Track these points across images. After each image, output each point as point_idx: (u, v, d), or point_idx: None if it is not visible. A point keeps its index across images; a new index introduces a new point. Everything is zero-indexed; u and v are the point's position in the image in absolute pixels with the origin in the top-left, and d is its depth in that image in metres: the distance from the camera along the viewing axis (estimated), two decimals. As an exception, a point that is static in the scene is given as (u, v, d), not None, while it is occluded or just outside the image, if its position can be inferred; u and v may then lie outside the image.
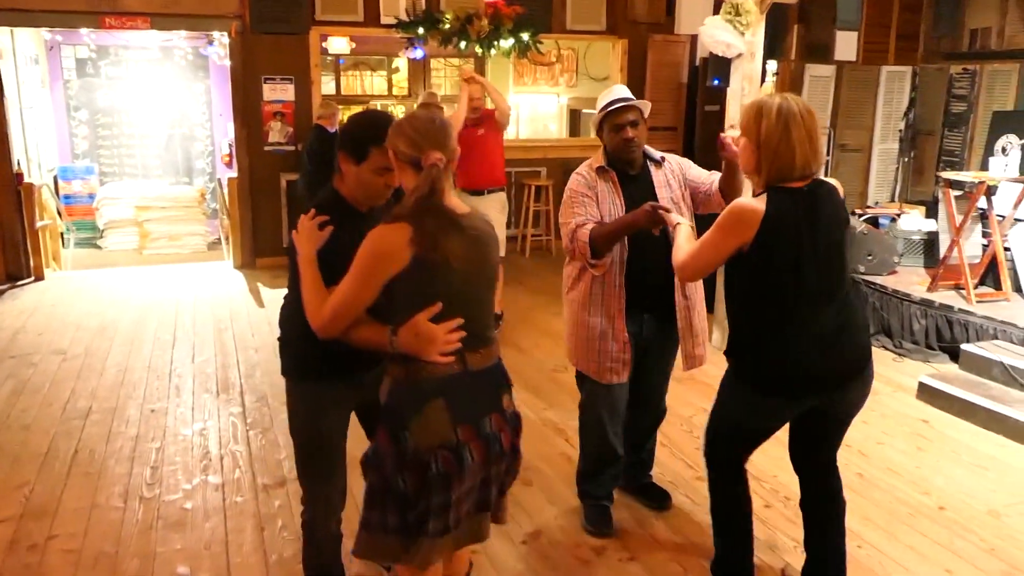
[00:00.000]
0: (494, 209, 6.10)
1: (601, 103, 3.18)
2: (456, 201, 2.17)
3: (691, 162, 3.37)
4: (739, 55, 5.36)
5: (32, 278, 7.54)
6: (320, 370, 2.44)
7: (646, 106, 3.20)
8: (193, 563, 3.15)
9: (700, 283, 3.28)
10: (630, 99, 3.16)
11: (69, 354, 5.55)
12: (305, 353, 2.46)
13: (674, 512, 3.55)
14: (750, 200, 2.53)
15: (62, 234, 8.73)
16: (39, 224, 7.64)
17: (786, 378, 2.61)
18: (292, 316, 2.42)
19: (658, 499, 3.60)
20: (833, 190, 2.60)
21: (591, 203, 3.13)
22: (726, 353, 2.74)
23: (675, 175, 3.27)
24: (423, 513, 2.04)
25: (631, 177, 3.20)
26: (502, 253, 5.96)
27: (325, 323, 2.15)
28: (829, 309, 2.56)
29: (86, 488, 3.71)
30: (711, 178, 3.27)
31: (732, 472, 2.88)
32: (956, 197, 5.83)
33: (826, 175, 8.77)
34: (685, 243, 2.73)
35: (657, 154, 3.28)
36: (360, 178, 2.33)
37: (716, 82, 7.27)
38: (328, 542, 2.71)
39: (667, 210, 2.93)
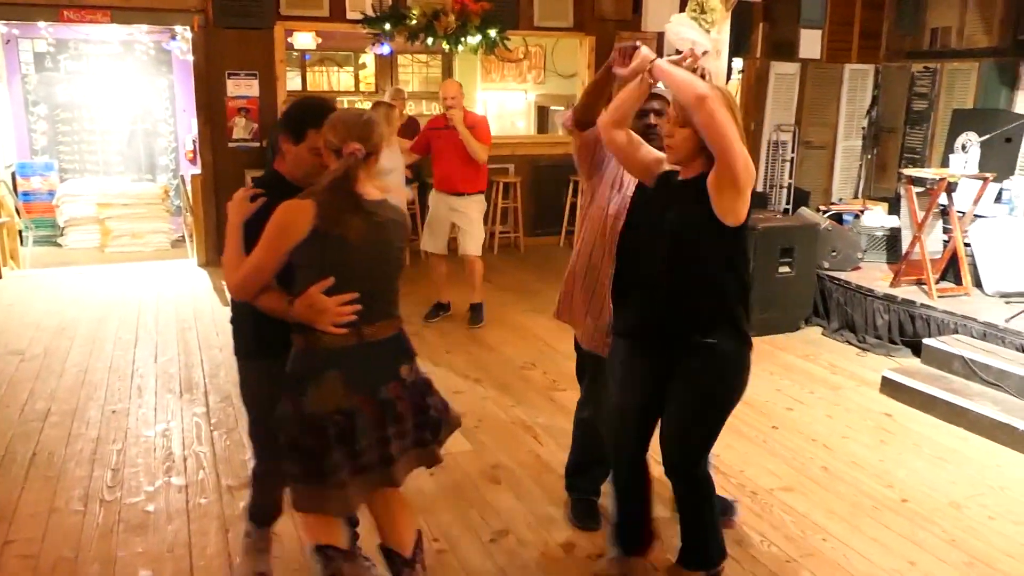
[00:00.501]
0: (472, 210, 6.08)
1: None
2: (371, 189, 2.39)
3: None
4: (705, 52, 5.38)
5: (-11, 277, 7.38)
6: (272, 348, 2.48)
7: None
8: (155, 566, 3.10)
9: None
10: (659, 89, 2.97)
11: (27, 355, 5.43)
12: (258, 332, 2.57)
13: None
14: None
15: (20, 232, 8.53)
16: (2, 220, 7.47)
17: None
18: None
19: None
20: None
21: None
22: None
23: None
24: (325, 467, 2.28)
25: (673, 179, 2.95)
26: (476, 252, 5.88)
27: (236, 285, 2.39)
28: None
29: (44, 492, 3.63)
30: None
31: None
32: (918, 194, 5.91)
33: (791, 172, 8.86)
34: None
35: None
36: (298, 157, 2.54)
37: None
38: (276, 485, 2.75)
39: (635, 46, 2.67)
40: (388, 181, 5.62)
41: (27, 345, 5.62)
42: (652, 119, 3.02)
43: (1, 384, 4.89)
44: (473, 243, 6.11)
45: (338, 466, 2.29)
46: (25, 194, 9.34)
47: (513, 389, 4.95)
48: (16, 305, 6.56)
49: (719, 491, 3.62)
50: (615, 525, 3.04)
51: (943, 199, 5.75)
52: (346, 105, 12.61)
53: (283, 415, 2.34)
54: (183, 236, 9.19)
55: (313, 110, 2.52)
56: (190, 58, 8.04)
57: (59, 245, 9.10)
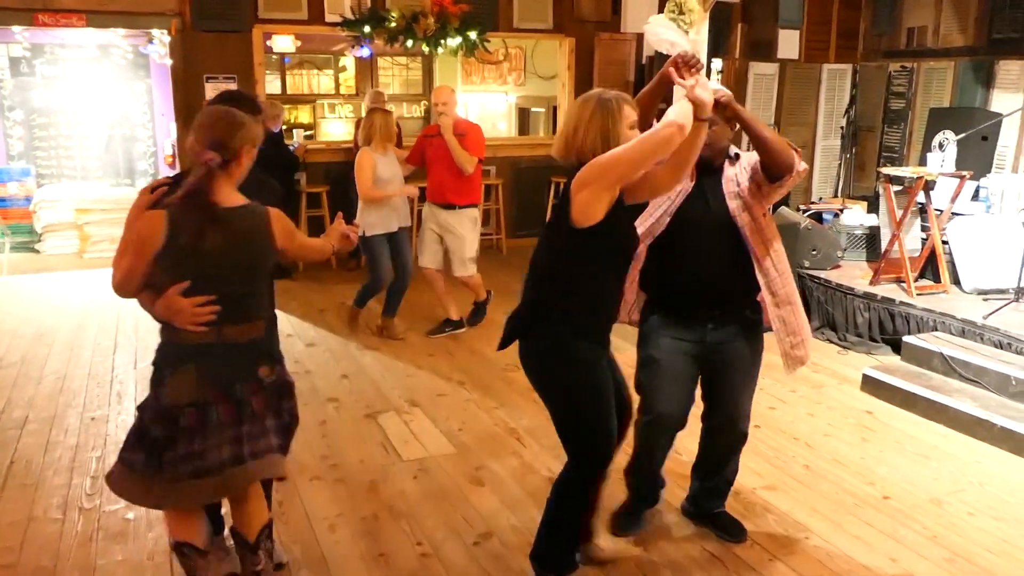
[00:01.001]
0: (463, 227, 5.76)
1: None
2: (228, 194, 2.43)
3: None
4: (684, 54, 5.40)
5: (-35, 284, 7.29)
6: None
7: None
8: (135, 574, 3.07)
9: (790, 275, 3.14)
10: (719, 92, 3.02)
11: (4, 362, 5.37)
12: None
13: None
14: None
15: (-3, 238, 8.44)
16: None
17: None
18: None
19: (731, 531, 3.35)
20: None
21: None
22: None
23: (744, 169, 3.05)
24: (164, 460, 2.39)
25: (711, 168, 3.02)
26: (467, 273, 5.66)
27: (114, 285, 2.48)
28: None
29: (22, 500, 3.58)
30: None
31: None
32: (896, 192, 5.95)
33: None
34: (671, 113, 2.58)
35: (734, 151, 3.10)
36: None
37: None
38: None
39: (693, 64, 2.62)
40: (389, 188, 5.57)
41: (4, 352, 5.56)
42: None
43: (-22, 392, 4.83)
44: (462, 266, 5.86)
45: (178, 461, 2.40)
46: (1, 200, 9.23)
47: (496, 391, 4.94)
48: (-7, 312, 6.48)
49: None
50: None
51: (921, 197, 5.80)
52: (327, 108, 12.61)
53: (142, 404, 2.50)
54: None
55: (232, 99, 2.63)
56: (168, 62, 7.98)
57: (37, 251, 9.00)
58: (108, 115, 10.12)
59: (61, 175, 9.99)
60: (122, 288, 2.47)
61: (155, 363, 2.50)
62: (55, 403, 4.68)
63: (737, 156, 3.11)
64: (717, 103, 2.83)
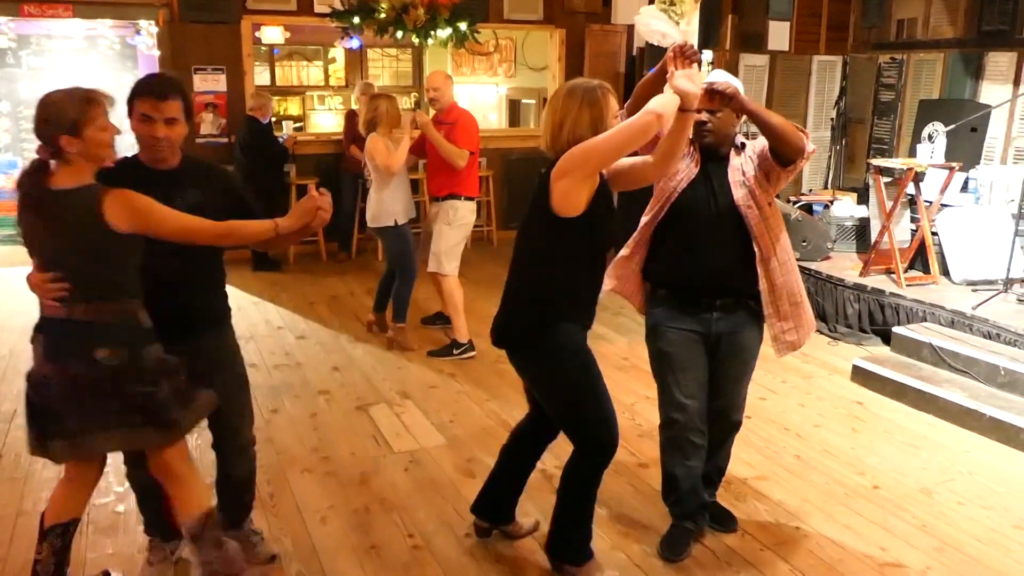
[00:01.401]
0: (438, 218, 5.42)
1: None
2: (66, 177, 2.44)
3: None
4: (674, 44, 5.39)
5: (-48, 277, 7.23)
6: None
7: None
8: (126, 567, 3.06)
9: (793, 266, 3.14)
10: (715, 84, 2.99)
11: (-8, 356, 5.34)
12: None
13: (615, 499, 3.55)
14: None
15: (-16, 231, 8.38)
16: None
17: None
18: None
19: (722, 521, 3.34)
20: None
21: None
22: None
23: (750, 158, 3.02)
24: (43, 421, 2.53)
25: (716, 156, 3.02)
26: (435, 268, 5.33)
27: None
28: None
29: (11, 494, 3.57)
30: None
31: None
32: (886, 183, 5.96)
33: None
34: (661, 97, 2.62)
35: (740, 140, 3.08)
36: (134, 131, 2.62)
37: (653, 72, 7.31)
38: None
39: (690, 55, 2.65)
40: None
41: (-8, 346, 5.52)
42: (703, 115, 2.93)
43: (-35, 386, 4.79)
44: (432, 259, 5.42)
45: (39, 424, 2.54)
46: (-12, 192, 9.16)
47: (487, 383, 4.93)
48: (-20, 306, 6.44)
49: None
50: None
51: (911, 189, 5.81)
52: (316, 100, 12.55)
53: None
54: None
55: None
56: (156, 53, 7.92)
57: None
58: (95, 107, 10.03)
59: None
60: None
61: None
62: (44, 397, 4.65)
63: (743, 145, 3.09)
64: (723, 95, 2.84)
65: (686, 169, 3.05)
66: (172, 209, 2.51)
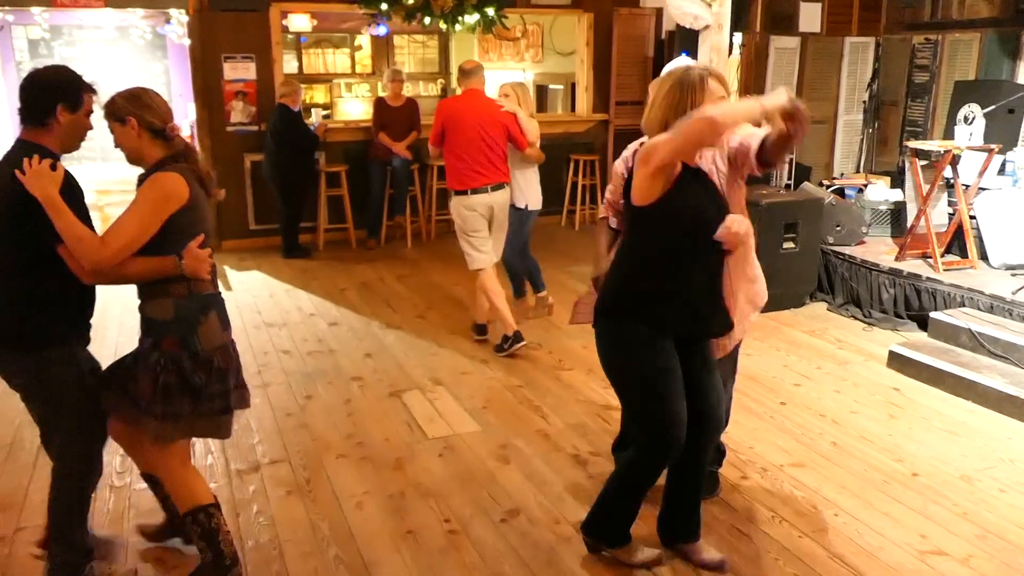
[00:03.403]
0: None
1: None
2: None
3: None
4: (706, 27, 5.35)
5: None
6: (73, 333, 2.79)
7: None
8: (166, 551, 3.10)
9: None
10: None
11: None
12: (56, 318, 2.68)
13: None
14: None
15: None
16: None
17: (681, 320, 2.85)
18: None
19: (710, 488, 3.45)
20: None
21: None
22: None
23: (717, 156, 2.95)
24: (207, 398, 2.66)
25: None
26: (468, 263, 5.24)
27: (113, 257, 2.51)
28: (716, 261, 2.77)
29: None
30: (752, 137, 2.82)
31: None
32: (922, 166, 5.87)
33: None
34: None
35: None
36: (77, 123, 2.64)
37: (685, 54, 7.23)
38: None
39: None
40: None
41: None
42: None
43: (6, 373, 4.87)
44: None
45: (214, 397, 2.68)
46: (23, 182, 9.29)
47: (519, 369, 4.93)
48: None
49: (728, 467, 3.65)
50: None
51: (948, 172, 5.71)
52: (343, 88, 12.57)
53: (167, 356, 2.60)
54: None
55: (69, 75, 2.65)
56: (186, 42, 7.97)
57: (58, 233, 9.06)
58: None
59: (81, 157, 10.05)
60: (119, 259, 2.51)
61: (175, 319, 2.61)
62: (82, 383, 4.71)
63: None
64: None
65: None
66: None
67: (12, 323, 2.61)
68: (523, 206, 5.49)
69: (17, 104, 2.61)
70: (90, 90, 2.67)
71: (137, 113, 2.60)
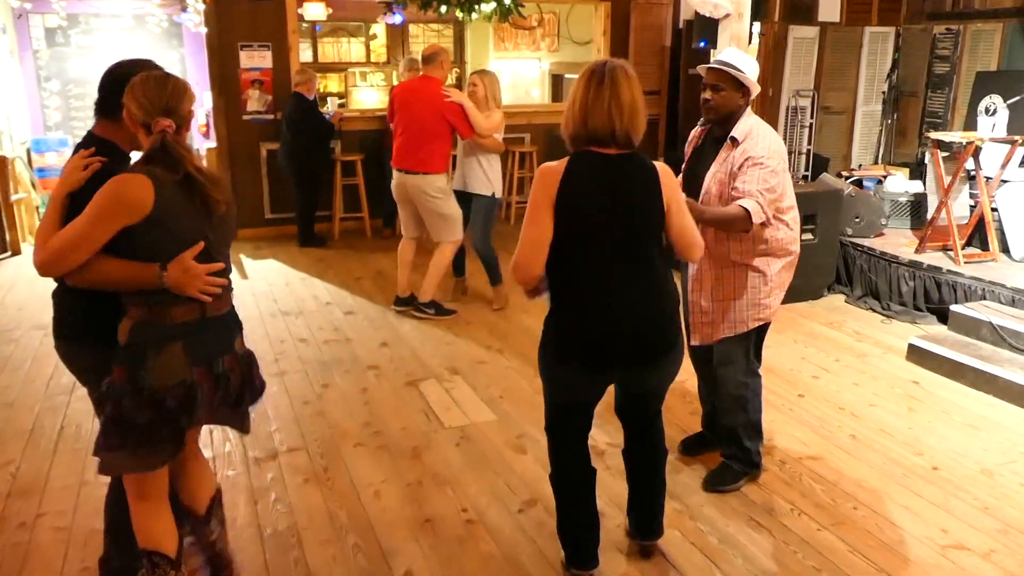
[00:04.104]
0: None
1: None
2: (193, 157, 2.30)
3: (757, 165, 3.04)
4: (726, 15, 5.30)
5: (9, 253, 7.40)
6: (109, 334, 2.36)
7: (742, 76, 3.08)
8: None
9: (710, 260, 3.25)
10: (723, 62, 3.12)
11: (50, 329, 5.43)
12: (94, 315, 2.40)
13: (669, 478, 3.52)
14: (553, 162, 2.52)
15: (37, 208, 8.54)
16: (14, 198, 7.47)
17: (575, 347, 2.58)
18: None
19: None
20: (644, 166, 2.53)
21: None
22: None
23: (733, 161, 3.10)
24: (153, 440, 2.25)
25: (715, 139, 3.23)
26: None
27: (42, 262, 2.23)
28: (624, 279, 2.53)
29: (74, 465, 3.64)
30: (733, 196, 3.07)
31: (562, 443, 2.80)
32: (944, 158, 5.81)
33: (810, 139, 8.73)
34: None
35: (741, 134, 3.10)
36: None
37: (703, 44, 7.18)
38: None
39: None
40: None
41: (49, 320, 5.62)
42: (706, 92, 3.14)
43: (26, 359, 4.91)
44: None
45: (166, 440, 2.27)
46: (40, 170, 9.32)
47: (535, 359, 4.89)
48: (36, 281, 6.56)
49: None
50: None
51: (970, 163, 5.65)
52: (358, 77, 12.56)
53: (113, 389, 2.25)
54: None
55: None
56: (202, 30, 7.97)
57: (75, 220, 9.10)
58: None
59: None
60: (66, 255, 2.19)
61: (126, 346, 2.26)
62: (101, 370, 4.74)
63: (736, 142, 3.12)
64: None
65: (691, 144, 3.34)
66: None
67: (80, 316, 2.49)
68: (490, 194, 5.62)
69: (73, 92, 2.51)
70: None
71: (124, 102, 2.27)
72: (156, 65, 2.43)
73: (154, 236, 2.21)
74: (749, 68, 3.12)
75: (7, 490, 3.43)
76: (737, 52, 3.20)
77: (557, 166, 2.48)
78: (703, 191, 3.18)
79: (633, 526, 3.01)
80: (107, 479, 3.48)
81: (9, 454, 3.74)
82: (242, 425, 2.56)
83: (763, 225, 3.05)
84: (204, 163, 2.37)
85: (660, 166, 2.55)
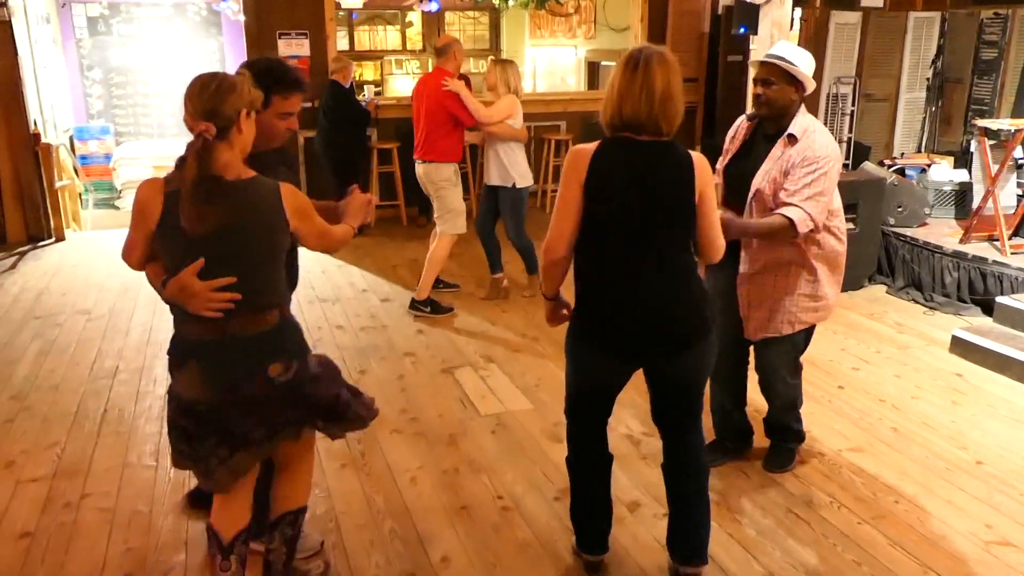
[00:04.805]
0: None
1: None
2: (231, 166, 2.18)
3: (812, 165, 2.99)
4: (767, 1, 5.21)
5: (53, 239, 7.54)
6: None
7: (795, 70, 3.00)
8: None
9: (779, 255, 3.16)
10: (776, 56, 3.05)
11: (94, 314, 5.54)
12: None
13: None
14: (585, 144, 2.51)
15: (80, 195, 8.69)
16: (58, 184, 7.61)
17: (596, 331, 2.57)
18: None
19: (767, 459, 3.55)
20: (677, 156, 2.47)
21: None
22: None
23: (788, 159, 3.03)
24: (198, 450, 2.25)
25: (767, 136, 3.14)
26: None
27: (123, 252, 2.33)
28: (645, 266, 2.49)
29: (117, 447, 3.71)
30: (781, 199, 3.03)
31: (579, 426, 2.81)
32: (991, 146, 5.68)
33: (851, 126, 8.58)
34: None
35: (799, 131, 3.04)
36: (262, 122, 2.34)
37: (743, 30, 7.09)
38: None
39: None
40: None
41: (92, 305, 5.74)
42: (758, 88, 3.08)
43: (71, 343, 5.00)
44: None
45: (211, 451, 2.24)
46: (83, 157, 9.50)
47: (571, 348, 4.90)
48: (80, 266, 6.70)
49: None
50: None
51: (1018, 152, 5.52)
52: (394, 64, 12.59)
53: (170, 391, 2.32)
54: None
55: (273, 73, 2.42)
56: (241, 18, 8.03)
57: (117, 208, 9.26)
58: (182, 73, 10.26)
59: (139, 133, 10.23)
60: (124, 256, 2.32)
61: (168, 352, 2.31)
62: (143, 354, 4.82)
63: (793, 139, 3.04)
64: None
65: (736, 140, 3.27)
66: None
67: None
68: (510, 184, 5.53)
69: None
70: (286, 91, 2.43)
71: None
72: (284, 68, 2.46)
73: (163, 245, 2.22)
74: (803, 63, 3.03)
75: (53, 471, 3.50)
76: (790, 46, 3.12)
77: (588, 148, 2.48)
78: (753, 190, 3.08)
79: (671, 547, 2.80)
80: (150, 463, 3.56)
81: (55, 436, 3.82)
82: (331, 433, 2.50)
83: (812, 231, 3.02)
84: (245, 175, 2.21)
85: (696, 157, 2.49)
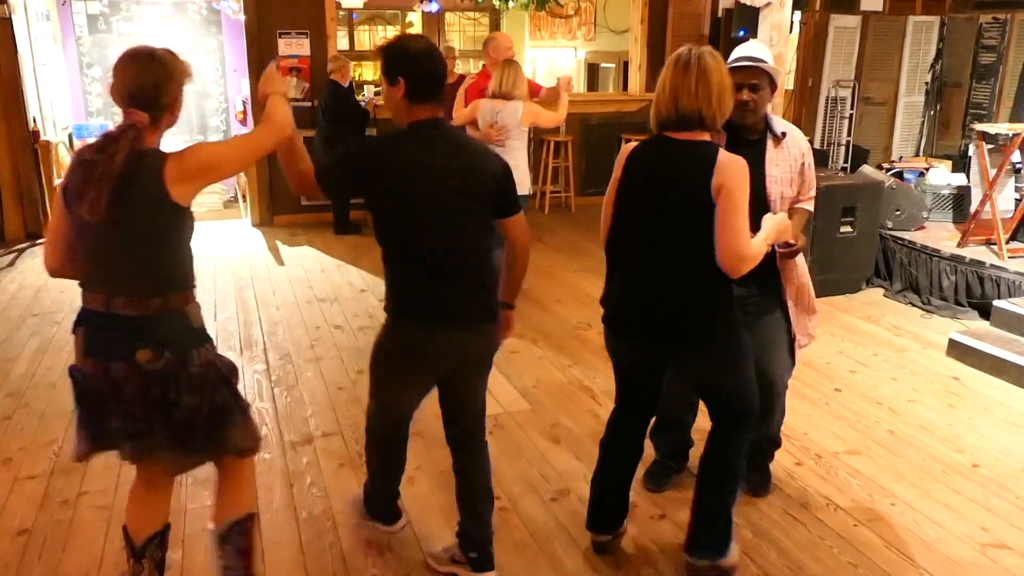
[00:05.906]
0: None
1: (731, 58, 2.88)
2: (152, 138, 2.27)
3: (811, 156, 3.02)
4: (767, 4, 5.23)
5: (51, 237, 7.54)
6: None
7: (777, 73, 2.91)
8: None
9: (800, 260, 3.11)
10: (759, 60, 2.85)
11: (91, 312, 5.53)
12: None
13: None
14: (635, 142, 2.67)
15: (79, 192, 8.68)
16: (57, 182, 7.60)
17: (609, 313, 2.74)
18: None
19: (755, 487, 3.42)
20: (696, 155, 2.45)
21: None
22: None
23: (792, 157, 2.96)
24: (79, 422, 2.36)
25: (746, 142, 2.88)
26: None
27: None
28: (656, 260, 2.56)
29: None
30: (803, 196, 3.03)
31: (616, 407, 3.00)
32: (989, 150, 5.69)
33: (849, 130, 8.60)
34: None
35: (780, 127, 2.95)
36: (390, 99, 2.45)
37: (742, 33, 7.09)
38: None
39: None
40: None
41: (90, 303, 5.73)
42: (745, 94, 2.82)
43: (68, 340, 4.91)
44: None
45: (82, 420, 2.34)
46: (82, 155, 9.47)
47: (569, 349, 4.91)
48: (78, 264, 6.68)
49: (782, 454, 3.60)
50: None
51: (1016, 156, 5.54)
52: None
53: None
54: (235, 196, 9.28)
55: (404, 54, 2.43)
56: (241, 18, 8.03)
57: (116, 205, 9.24)
58: (182, 72, 10.27)
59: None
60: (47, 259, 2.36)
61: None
62: (140, 352, 4.81)
63: (783, 134, 2.95)
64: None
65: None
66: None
67: None
68: None
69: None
70: (401, 72, 2.40)
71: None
72: (420, 45, 2.47)
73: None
74: (771, 59, 2.99)
75: (50, 468, 3.50)
76: (758, 44, 3.04)
77: (630, 146, 2.65)
78: (772, 199, 2.90)
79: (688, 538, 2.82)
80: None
81: (52, 433, 3.81)
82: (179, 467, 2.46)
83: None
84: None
85: (724, 158, 2.41)
